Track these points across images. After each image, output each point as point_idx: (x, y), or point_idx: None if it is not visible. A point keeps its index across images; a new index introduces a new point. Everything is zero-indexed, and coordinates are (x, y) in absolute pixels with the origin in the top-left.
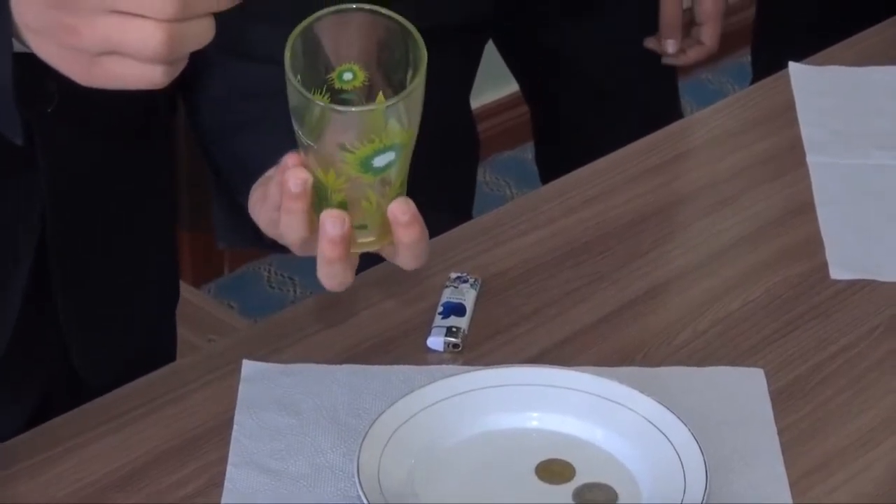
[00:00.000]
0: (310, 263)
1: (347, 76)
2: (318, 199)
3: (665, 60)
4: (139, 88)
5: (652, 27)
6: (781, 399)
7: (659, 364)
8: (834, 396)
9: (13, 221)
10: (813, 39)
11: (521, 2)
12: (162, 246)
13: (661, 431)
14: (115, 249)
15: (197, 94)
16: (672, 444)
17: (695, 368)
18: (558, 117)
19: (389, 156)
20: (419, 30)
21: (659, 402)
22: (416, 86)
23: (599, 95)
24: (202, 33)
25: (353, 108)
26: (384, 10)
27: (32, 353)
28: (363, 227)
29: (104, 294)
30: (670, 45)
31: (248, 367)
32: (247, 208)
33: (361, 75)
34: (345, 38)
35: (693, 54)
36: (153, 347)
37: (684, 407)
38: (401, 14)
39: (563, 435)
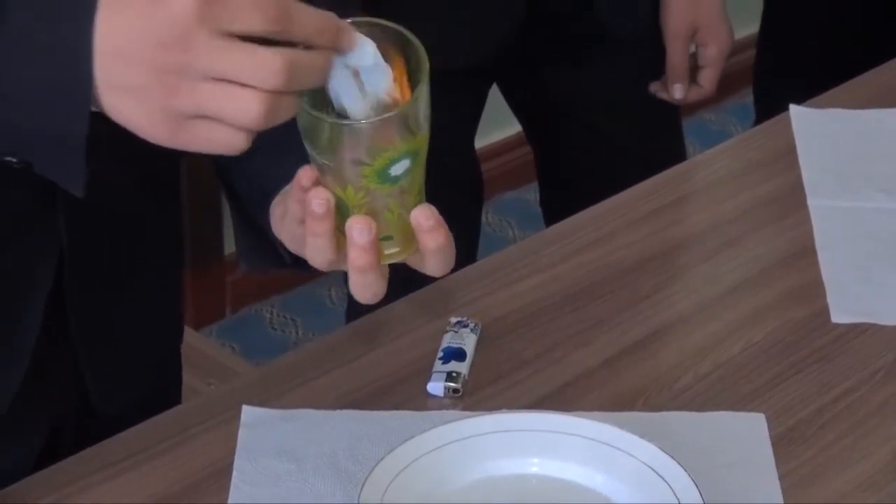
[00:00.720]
0: (312, 305)
1: None
2: (341, 217)
3: (661, 95)
4: (220, 153)
5: (655, 70)
6: (783, 444)
7: (660, 409)
8: (835, 441)
9: (33, 257)
10: (815, 81)
11: (524, 46)
12: (171, 280)
13: (661, 478)
14: (126, 283)
15: None
16: (673, 490)
17: (696, 414)
18: (560, 160)
19: (405, 163)
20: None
21: (660, 448)
22: (422, 91)
23: (602, 138)
24: (294, 105)
25: (363, 121)
26: (381, 21)
27: (47, 386)
28: (388, 238)
29: (116, 325)
30: (678, 91)
31: (248, 412)
32: (267, 229)
33: None
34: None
35: (690, 95)
36: (161, 381)
37: (685, 453)
38: None
39: (563, 481)
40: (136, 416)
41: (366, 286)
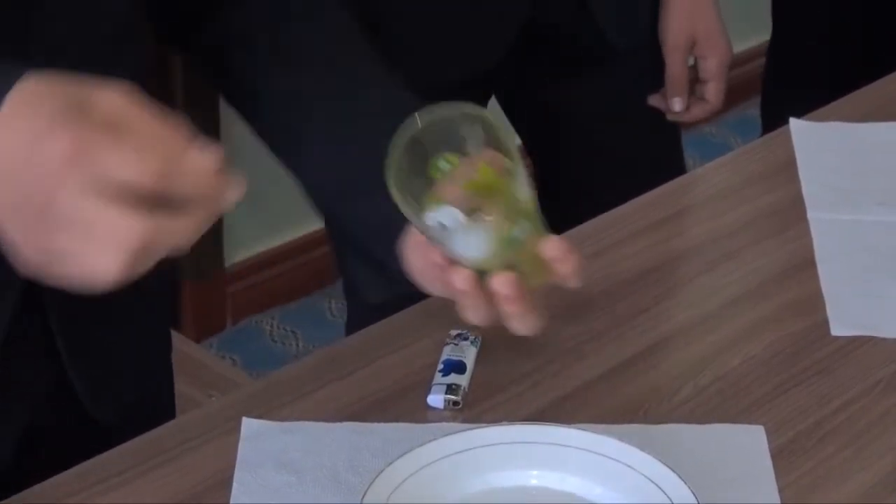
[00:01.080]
0: (312, 317)
1: (444, 165)
2: (482, 275)
3: (669, 117)
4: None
5: (654, 82)
6: (782, 456)
7: (660, 421)
8: (835, 453)
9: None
10: (823, 95)
11: (523, 58)
12: (160, 284)
13: (661, 489)
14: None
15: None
16: (672, 502)
17: (695, 426)
18: (560, 172)
19: (524, 224)
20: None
21: (659, 460)
22: (518, 163)
23: (601, 151)
24: (159, 257)
25: (479, 257)
26: (453, 106)
27: (20, 369)
28: (526, 271)
29: (101, 325)
30: (677, 104)
31: (248, 425)
32: (386, 262)
33: (455, 159)
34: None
35: (697, 112)
36: (153, 385)
37: (685, 465)
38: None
39: (562, 493)
40: (132, 423)
41: (529, 328)
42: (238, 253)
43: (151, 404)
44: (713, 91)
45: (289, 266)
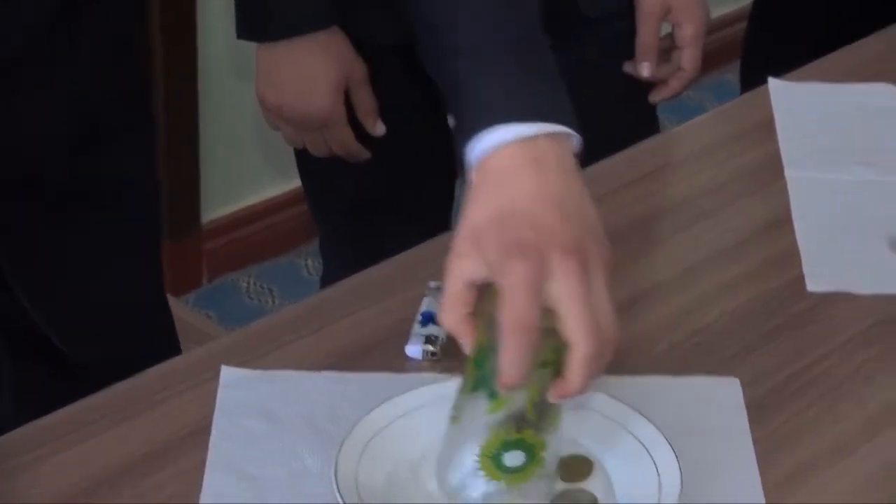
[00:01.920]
0: (288, 275)
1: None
2: None
3: (652, 99)
4: None
5: (630, 47)
6: (757, 409)
7: (636, 373)
8: (809, 406)
9: None
10: (803, 56)
11: None
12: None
13: (637, 439)
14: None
15: None
16: (648, 450)
17: (672, 378)
18: None
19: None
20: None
21: (635, 410)
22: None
23: (576, 113)
24: None
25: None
26: None
27: None
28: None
29: (69, 272)
30: (645, 69)
31: (227, 373)
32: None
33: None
34: None
35: (676, 83)
36: (144, 332)
37: (661, 415)
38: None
39: None
40: (123, 366)
41: None
42: (214, 211)
43: (151, 351)
44: (689, 58)
45: (266, 224)
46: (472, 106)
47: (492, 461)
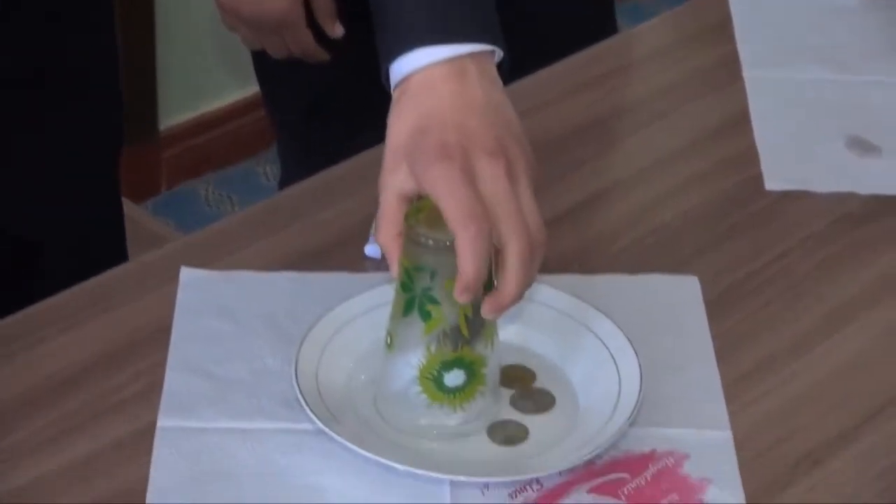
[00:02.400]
0: (247, 182)
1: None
2: None
3: None
4: None
5: None
6: (716, 306)
7: (595, 271)
8: (767, 304)
9: None
10: None
11: None
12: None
13: (597, 336)
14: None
15: None
16: (608, 348)
17: (630, 276)
18: None
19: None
20: None
21: (594, 308)
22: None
23: (530, 17)
24: None
25: None
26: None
27: None
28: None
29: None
30: None
31: (187, 273)
32: None
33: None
34: None
35: None
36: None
37: (620, 313)
38: None
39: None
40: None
41: None
42: (172, 118)
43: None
44: None
45: (224, 130)
46: (396, 28)
47: (433, 383)
